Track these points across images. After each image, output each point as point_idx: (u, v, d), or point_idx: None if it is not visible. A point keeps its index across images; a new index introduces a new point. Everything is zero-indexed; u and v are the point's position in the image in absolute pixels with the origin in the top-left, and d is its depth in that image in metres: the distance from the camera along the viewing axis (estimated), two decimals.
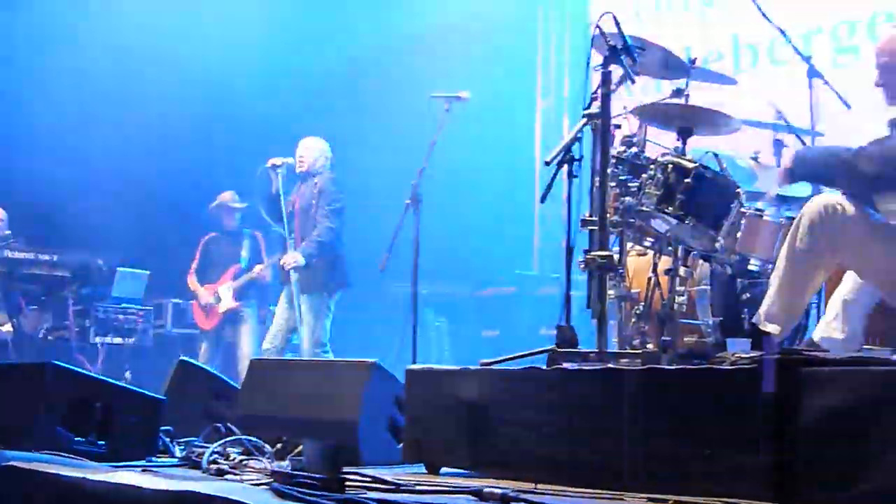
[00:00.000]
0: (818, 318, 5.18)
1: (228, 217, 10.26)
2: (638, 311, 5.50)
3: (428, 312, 9.55)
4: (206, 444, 4.70)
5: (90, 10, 10.39)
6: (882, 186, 4.56)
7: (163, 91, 10.53)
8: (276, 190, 8.61)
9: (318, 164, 8.75)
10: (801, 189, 5.69)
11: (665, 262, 5.46)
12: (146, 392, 4.94)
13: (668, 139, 5.77)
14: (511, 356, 4.73)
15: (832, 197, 4.57)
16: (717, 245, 5.12)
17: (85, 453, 4.33)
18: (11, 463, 3.88)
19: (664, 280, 5.42)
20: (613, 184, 5.17)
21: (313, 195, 8.56)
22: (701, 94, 6.33)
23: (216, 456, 4.35)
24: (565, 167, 4.79)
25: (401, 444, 4.62)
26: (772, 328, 4.61)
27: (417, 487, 3.65)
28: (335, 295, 8.63)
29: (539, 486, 3.72)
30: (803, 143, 5.87)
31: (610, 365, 4.07)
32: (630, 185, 5.28)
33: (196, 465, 4.31)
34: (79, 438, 4.47)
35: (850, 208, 4.51)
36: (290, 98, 11.07)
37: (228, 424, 4.92)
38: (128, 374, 10.04)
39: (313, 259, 8.48)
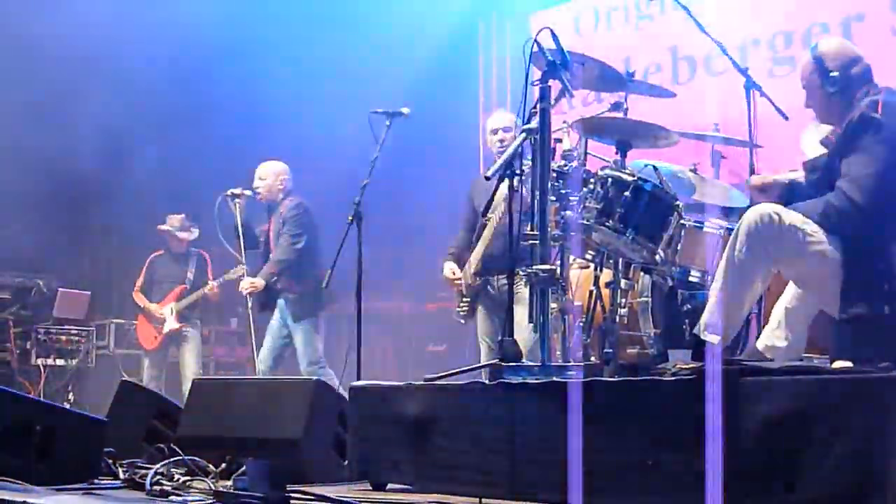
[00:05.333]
0: (759, 327, 5.22)
1: (175, 239, 10.15)
2: (580, 324, 5.53)
3: (373, 329, 9.54)
4: (149, 466, 4.67)
5: None
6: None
7: (101, 106, 10.43)
8: (235, 222, 8.52)
9: (276, 191, 8.61)
10: (740, 200, 5.76)
11: (607, 275, 5.49)
12: (88, 414, 4.90)
13: (609, 152, 5.81)
14: (455, 371, 4.74)
15: (769, 206, 4.61)
16: (658, 257, 5.16)
17: (26, 476, 4.28)
18: None
19: (606, 293, 5.45)
20: (554, 198, 5.19)
21: (280, 225, 8.46)
22: (640, 107, 6.38)
23: (159, 477, 4.32)
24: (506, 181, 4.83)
25: (346, 461, 4.61)
26: (712, 338, 4.64)
27: None
28: (321, 314, 8.56)
29: (483, 500, 3.73)
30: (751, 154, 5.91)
31: (553, 378, 4.08)
32: (571, 198, 5.31)
33: (139, 487, 4.28)
34: (19, 461, 4.41)
35: (786, 217, 4.56)
36: (232, 115, 11.01)
37: (172, 445, 4.88)
38: (71, 396, 9.95)
39: (274, 279, 8.38)
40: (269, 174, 8.63)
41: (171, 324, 9.85)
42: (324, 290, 8.15)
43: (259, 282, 8.39)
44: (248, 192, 8.52)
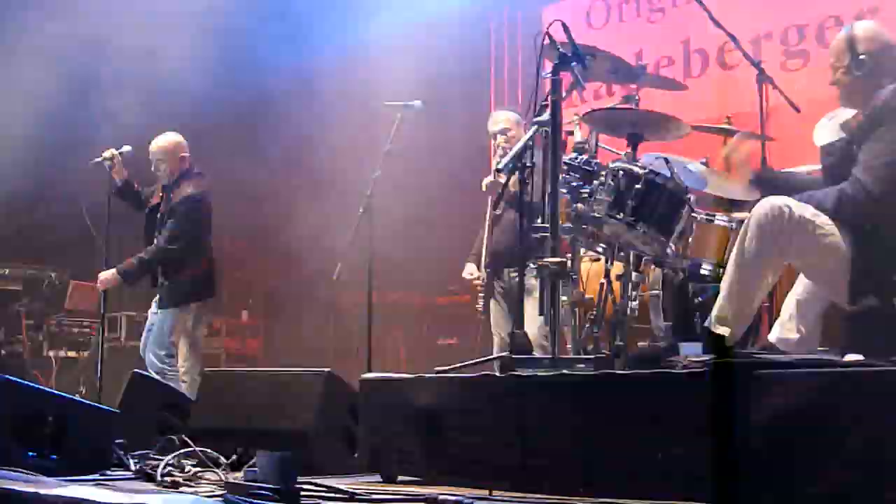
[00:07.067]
0: (770, 319, 5.21)
1: None
2: (591, 317, 5.52)
3: (383, 321, 9.53)
4: (160, 457, 4.68)
5: None
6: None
7: (119, 99, 10.44)
8: (123, 179, 8.15)
9: (176, 170, 8.05)
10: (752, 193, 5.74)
11: (617, 268, 5.48)
12: (99, 405, 4.91)
13: (620, 145, 5.80)
14: (465, 363, 4.74)
15: (780, 199, 4.61)
16: (669, 250, 5.15)
17: (38, 467, 4.28)
18: None
19: (617, 285, 5.44)
20: (565, 190, 5.19)
21: (167, 210, 7.96)
22: (652, 100, 6.37)
23: (170, 468, 4.33)
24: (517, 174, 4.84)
25: (356, 454, 4.62)
26: (724, 331, 4.64)
27: (373, 496, 3.66)
28: (192, 308, 8.04)
29: (494, 492, 3.73)
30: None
31: (563, 371, 4.08)
32: (581, 191, 5.30)
33: (150, 478, 4.29)
34: (31, 452, 4.42)
35: (797, 210, 4.55)
36: (242, 109, 11.01)
37: (183, 436, 4.89)
38: (82, 388, 9.97)
39: (132, 279, 7.99)
40: (168, 155, 8.05)
41: None
42: (200, 285, 8.01)
43: (110, 276, 7.90)
44: (126, 149, 8.08)
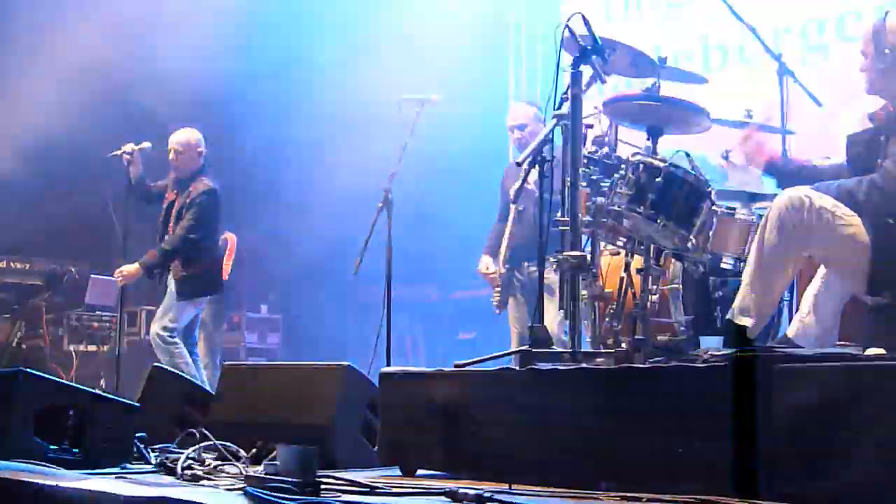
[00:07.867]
0: (791, 314, 5.19)
1: None
2: (611, 311, 5.51)
3: (402, 316, 9.53)
4: (180, 450, 4.69)
5: None
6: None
7: (136, 94, 10.47)
8: (137, 175, 8.28)
9: (193, 165, 8.26)
10: (772, 186, 5.72)
11: (637, 262, 5.46)
12: (120, 399, 4.92)
13: (640, 139, 5.78)
14: (485, 357, 4.73)
15: (800, 190, 4.59)
16: (689, 244, 5.12)
17: (59, 461, 4.31)
18: None
19: (637, 279, 5.42)
20: (585, 184, 5.17)
21: (184, 204, 8.13)
22: (671, 94, 6.34)
23: (191, 461, 4.34)
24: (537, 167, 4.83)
25: (376, 447, 4.62)
26: (745, 321, 4.62)
27: (392, 490, 3.66)
28: (203, 299, 8.28)
29: (514, 486, 3.73)
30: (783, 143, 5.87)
31: (583, 364, 4.07)
32: (602, 184, 5.29)
33: (171, 471, 4.30)
34: (52, 446, 4.44)
35: (817, 201, 4.53)
36: (259, 102, 11.02)
37: (203, 430, 4.90)
38: (102, 382, 9.99)
39: (156, 271, 8.17)
40: (188, 148, 8.25)
41: None
42: (212, 278, 8.21)
43: (133, 269, 8.15)
44: (145, 144, 8.25)
